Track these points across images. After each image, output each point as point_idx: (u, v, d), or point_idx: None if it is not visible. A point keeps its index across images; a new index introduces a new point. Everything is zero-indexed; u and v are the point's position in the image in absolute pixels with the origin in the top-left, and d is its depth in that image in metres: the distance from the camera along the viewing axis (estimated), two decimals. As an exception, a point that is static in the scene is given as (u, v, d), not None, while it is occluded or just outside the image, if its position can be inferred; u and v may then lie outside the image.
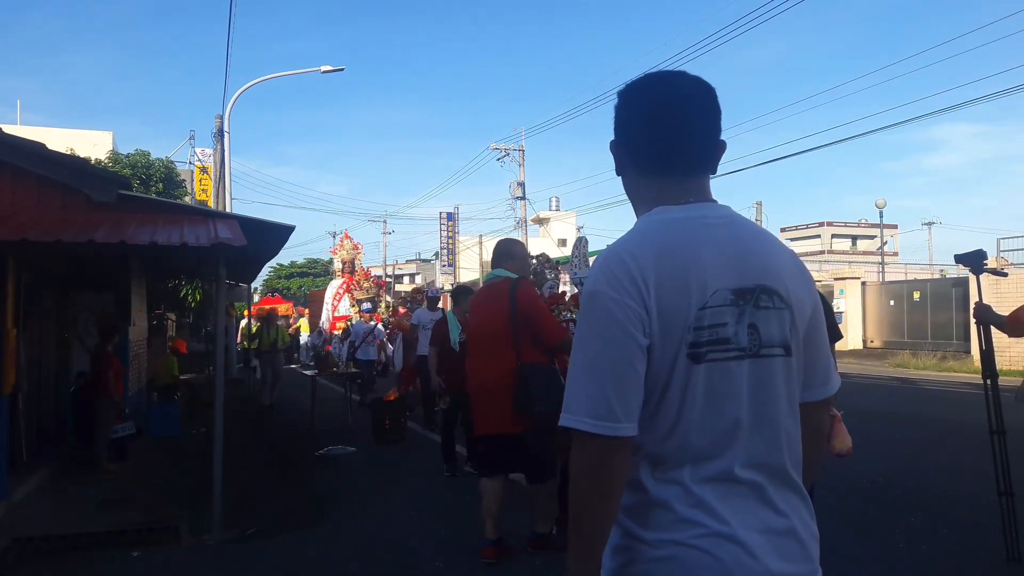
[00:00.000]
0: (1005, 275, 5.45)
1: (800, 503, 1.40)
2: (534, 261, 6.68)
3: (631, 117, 1.48)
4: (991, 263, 4.56)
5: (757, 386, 1.37)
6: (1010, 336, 4.35)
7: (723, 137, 1.50)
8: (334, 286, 12.55)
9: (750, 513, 1.33)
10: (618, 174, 1.54)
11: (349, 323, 11.41)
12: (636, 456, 1.36)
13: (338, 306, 12.03)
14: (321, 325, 12.42)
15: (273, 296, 24.94)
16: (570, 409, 1.32)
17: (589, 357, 1.33)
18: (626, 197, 1.59)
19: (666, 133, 1.44)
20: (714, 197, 1.50)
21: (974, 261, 4.44)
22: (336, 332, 11.75)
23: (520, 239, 32.65)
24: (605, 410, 1.29)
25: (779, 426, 1.39)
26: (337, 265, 13.16)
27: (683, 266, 1.34)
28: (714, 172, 1.49)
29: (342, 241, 13.00)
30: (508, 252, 4.78)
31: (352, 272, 12.41)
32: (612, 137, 1.53)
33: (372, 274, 11.88)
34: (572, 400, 1.32)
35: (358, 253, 12.79)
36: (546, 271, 6.76)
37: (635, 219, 1.51)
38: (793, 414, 1.42)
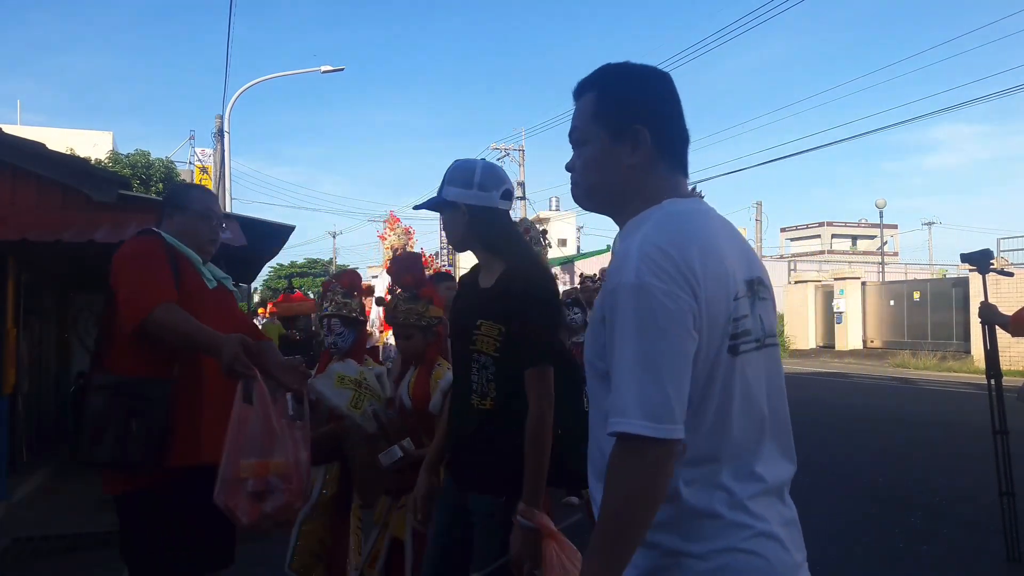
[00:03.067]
0: (1011, 275, 5.44)
1: (787, 491, 1.42)
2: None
3: (651, 104, 1.40)
4: (993, 263, 4.55)
5: (770, 376, 1.36)
6: (1013, 336, 4.34)
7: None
8: (386, 280, 10.13)
9: (772, 507, 1.33)
10: (626, 161, 1.38)
11: None
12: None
13: None
14: (369, 328, 10.29)
15: (293, 293, 23.31)
16: (624, 412, 1.18)
17: (644, 353, 1.20)
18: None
19: (681, 124, 1.42)
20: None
21: (980, 261, 4.43)
22: (388, 333, 9.81)
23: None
24: (665, 411, 1.17)
25: (785, 413, 1.40)
26: (386, 254, 10.63)
27: (719, 256, 1.29)
28: None
29: (390, 225, 10.51)
30: (178, 197, 2.71)
31: None
32: (624, 115, 1.38)
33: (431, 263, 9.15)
34: (625, 403, 1.18)
35: (410, 239, 10.65)
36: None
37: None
38: (787, 400, 1.43)
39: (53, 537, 5.19)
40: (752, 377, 1.32)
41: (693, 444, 1.25)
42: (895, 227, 48.67)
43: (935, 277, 28.92)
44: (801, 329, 26.05)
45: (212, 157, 22.75)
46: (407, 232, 10.62)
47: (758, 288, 1.36)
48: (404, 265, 3.22)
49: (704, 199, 1.46)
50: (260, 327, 16.99)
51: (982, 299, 4.44)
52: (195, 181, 25.79)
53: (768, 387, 1.36)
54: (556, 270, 24.64)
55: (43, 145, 6.28)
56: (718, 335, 1.26)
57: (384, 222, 11.53)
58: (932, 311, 21.85)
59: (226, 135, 19.11)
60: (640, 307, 1.22)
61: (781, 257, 42.26)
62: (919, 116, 62.67)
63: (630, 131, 1.37)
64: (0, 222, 5.56)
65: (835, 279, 25.76)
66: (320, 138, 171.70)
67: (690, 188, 1.44)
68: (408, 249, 10.52)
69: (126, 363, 2.48)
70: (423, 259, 9.70)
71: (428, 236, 51.76)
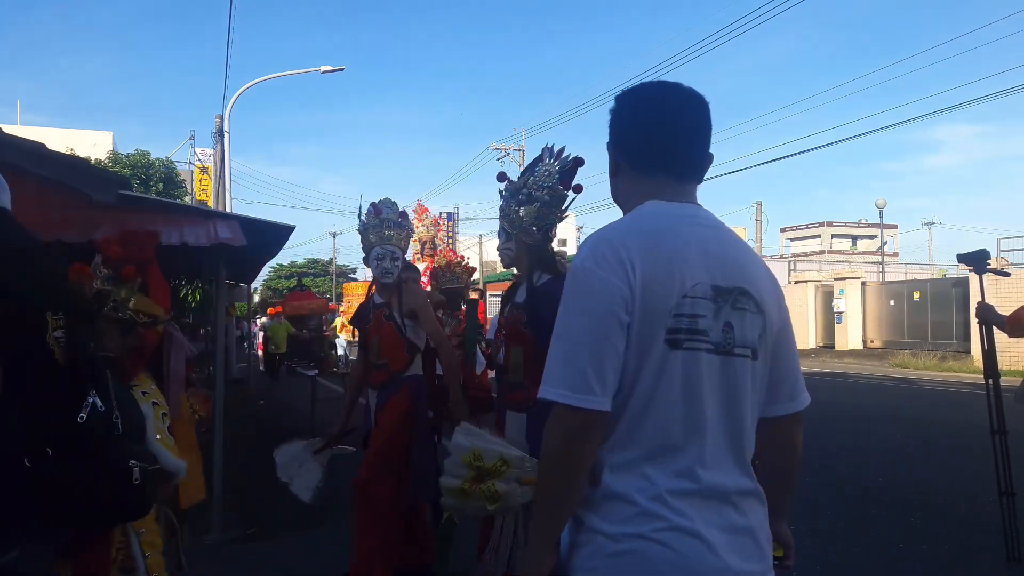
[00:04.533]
0: (1008, 275, 5.43)
1: (758, 504, 1.43)
2: None
3: (634, 120, 1.53)
4: (992, 263, 4.55)
5: (725, 384, 1.39)
6: (1010, 336, 4.34)
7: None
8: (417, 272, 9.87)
9: (711, 509, 1.34)
10: (612, 176, 1.58)
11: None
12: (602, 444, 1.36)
13: None
14: None
15: (303, 291, 21.96)
16: (549, 381, 1.32)
17: (570, 330, 1.33)
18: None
19: (671, 138, 1.49)
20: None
21: (977, 261, 4.43)
22: None
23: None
24: (583, 383, 1.29)
25: (743, 426, 1.41)
26: (414, 247, 10.28)
27: (668, 252, 1.37)
28: (701, 182, 1.55)
29: (418, 216, 10.31)
30: None
31: (433, 255, 9.31)
32: (607, 139, 1.58)
33: (459, 255, 8.59)
34: (551, 372, 1.33)
35: (439, 229, 10.20)
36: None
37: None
38: (753, 419, 1.45)
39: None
40: (697, 377, 1.35)
41: (620, 429, 1.34)
42: (895, 227, 48.71)
43: (935, 277, 28.94)
44: (801, 329, 26.02)
45: (212, 157, 22.77)
46: (436, 223, 10.04)
47: (737, 298, 1.40)
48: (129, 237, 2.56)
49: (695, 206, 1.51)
50: (266, 327, 16.21)
51: (980, 299, 4.44)
52: (195, 181, 25.83)
53: (723, 395, 1.38)
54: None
55: (43, 145, 6.27)
56: (653, 324, 1.33)
57: (412, 211, 10.92)
58: (932, 311, 21.86)
59: (226, 135, 19.13)
60: (574, 287, 1.36)
61: (781, 257, 42.25)
62: (919, 116, 62.88)
63: (612, 152, 1.58)
64: (0, 222, 5.56)
65: (835, 279, 25.77)
66: (320, 138, 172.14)
67: None
68: (437, 241, 9.78)
69: None
70: (446, 252, 8.91)
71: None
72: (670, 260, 1.36)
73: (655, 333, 1.33)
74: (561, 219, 3.00)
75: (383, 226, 4.01)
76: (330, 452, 4.15)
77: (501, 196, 3.08)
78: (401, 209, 4.11)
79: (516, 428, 2.94)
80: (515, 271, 3.21)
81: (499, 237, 3.15)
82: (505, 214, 3.04)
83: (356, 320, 4.32)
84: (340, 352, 18.46)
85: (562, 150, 2.98)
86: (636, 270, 1.33)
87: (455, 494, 2.40)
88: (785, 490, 1.58)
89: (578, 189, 3.00)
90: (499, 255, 3.17)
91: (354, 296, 18.60)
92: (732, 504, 1.37)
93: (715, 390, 1.37)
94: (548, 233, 2.98)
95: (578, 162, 2.97)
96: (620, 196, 1.58)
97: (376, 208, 4.06)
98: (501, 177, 3.10)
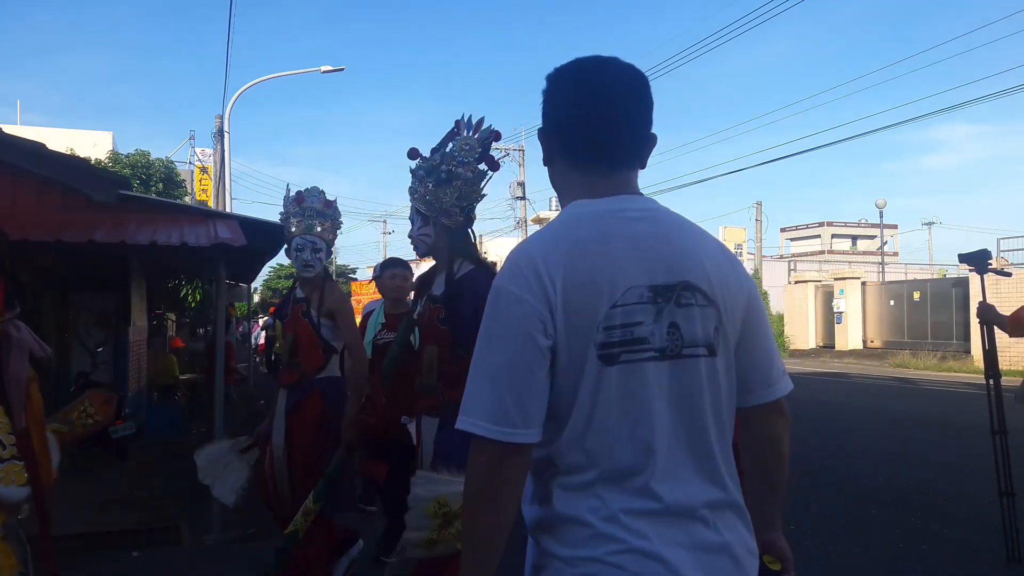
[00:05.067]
0: (1009, 275, 5.44)
1: (735, 516, 1.32)
2: None
3: (561, 104, 1.39)
4: (992, 263, 4.55)
5: (679, 390, 1.28)
6: (1011, 336, 4.34)
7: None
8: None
9: (676, 528, 1.25)
10: (546, 164, 1.45)
11: None
12: (550, 469, 1.28)
13: None
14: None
15: None
16: (467, 411, 1.24)
17: (486, 357, 1.25)
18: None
19: (597, 123, 1.35)
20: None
21: (978, 261, 4.43)
22: None
23: (518, 239, 32.71)
24: (501, 414, 1.21)
25: (706, 432, 1.30)
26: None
27: (593, 262, 1.26)
28: (643, 167, 1.40)
29: None
30: None
31: None
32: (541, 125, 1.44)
33: None
34: (469, 402, 1.25)
35: None
36: None
37: None
38: (720, 420, 1.33)
39: (53, 537, 5.19)
40: (642, 390, 1.26)
41: (564, 452, 1.27)
42: (895, 227, 48.66)
43: (935, 277, 28.92)
44: (801, 329, 26.05)
45: (212, 157, 22.78)
46: None
47: (680, 294, 1.28)
48: None
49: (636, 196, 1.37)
50: (270, 326, 16.56)
51: (980, 299, 4.44)
52: (195, 181, 25.84)
53: (678, 402, 1.28)
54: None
55: (43, 145, 6.28)
56: (582, 342, 1.24)
57: None
58: (932, 311, 21.85)
59: (226, 135, 19.13)
60: (491, 310, 1.27)
61: (781, 257, 42.24)
62: (919, 116, 62.78)
63: (543, 140, 1.45)
64: (0, 222, 5.56)
65: (835, 279, 25.77)
66: (320, 138, 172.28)
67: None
68: None
69: None
70: None
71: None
72: (595, 269, 1.25)
73: (585, 351, 1.23)
74: (481, 198, 2.76)
75: (304, 215, 3.77)
76: (257, 450, 3.94)
77: (413, 175, 2.78)
78: (330, 199, 3.86)
79: (430, 434, 2.68)
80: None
81: (412, 223, 2.84)
82: (420, 196, 2.74)
83: (277, 314, 4.15)
84: None
85: (481, 121, 2.74)
86: (557, 286, 1.23)
87: (424, 545, 2.30)
88: (770, 489, 1.46)
89: (495, 166, 2.78)
90: (413, 243, 2.88)
91: (362, 295, 18.79)
92: (701, 520, 1.26)
93: (667, 399, 1.27)
94: (470, 215, 2.74)
95: (496, 136, 2.74)
96: (555, 186, 1.46)
97: (299, 196, 3.82)
98: (413, 154, 2.80)
